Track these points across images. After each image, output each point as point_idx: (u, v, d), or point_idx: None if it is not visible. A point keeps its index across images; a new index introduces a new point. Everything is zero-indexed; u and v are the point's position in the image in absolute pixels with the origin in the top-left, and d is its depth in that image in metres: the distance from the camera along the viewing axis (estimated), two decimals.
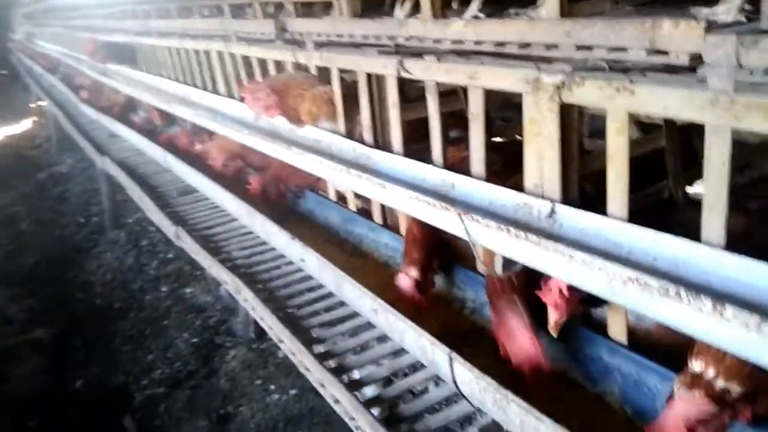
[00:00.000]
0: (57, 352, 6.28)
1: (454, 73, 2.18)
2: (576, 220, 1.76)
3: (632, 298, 1.33)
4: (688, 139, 2.41)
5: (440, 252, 2.45)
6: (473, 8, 2.53)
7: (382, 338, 2.60)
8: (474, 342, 2.21)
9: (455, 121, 2.69)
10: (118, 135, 6.52)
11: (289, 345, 2.81)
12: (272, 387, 5.53)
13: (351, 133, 2.83)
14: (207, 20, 4.19)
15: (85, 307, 7.04)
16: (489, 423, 1.92)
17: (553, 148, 1.86)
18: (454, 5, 3.07)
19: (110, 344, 6.38)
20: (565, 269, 1.51)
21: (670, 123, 2.28)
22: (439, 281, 2.52)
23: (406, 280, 2.29)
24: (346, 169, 2.36)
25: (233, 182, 3.98)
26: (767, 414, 1.41)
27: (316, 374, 2.58)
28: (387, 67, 2.44)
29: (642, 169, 1.93)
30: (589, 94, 1.69)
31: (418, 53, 2.38)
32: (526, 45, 2.11)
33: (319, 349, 2.67)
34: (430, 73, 2.27)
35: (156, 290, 7.09)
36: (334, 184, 3.11)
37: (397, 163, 2.38)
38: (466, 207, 2.07)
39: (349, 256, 2.97)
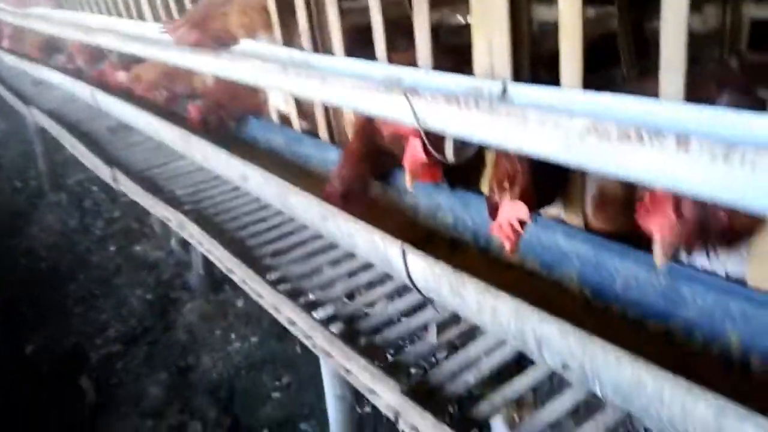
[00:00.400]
0: (4, 320, 5.99)
1: None
2: (529, 95, 1.64)
3: (591, 152, 1.23)
4: (640, 25, 2.32)
5: (378, 164, 2.33)
6: None
7: (337, 262, 2.49)
8: (428, 246, 2.11)
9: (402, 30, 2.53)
10: (44, 82, 6.07)
11: (240, 274, 2.68)
12: (233, 336, 5.41)
13: (290, 44, 2.64)
14: None
15: (31, 273, 6.71)
16: (447, 319, 1.83)
17: (502, 24, 1.73)
18: None
19: (60, 307, 6.11)
20: (518, 137, 1.39)
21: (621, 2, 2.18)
22: (390, 189, 2.40)
23: (332, 190, 2.19)
24: (282, 69, 2.17)
25: (169, 114, 3.72)
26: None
27: (269, 299, 2.46)
28: None
29: (593, 54, 1.83)
30: None
31: None
32: None
33: (272, 276, 2.55)
34: None
35: (104, 250, 6.80)
36: (269, 88, 2.89)
37: (339, 63, 2.21)
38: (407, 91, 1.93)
39: (295, 177, 2.81)
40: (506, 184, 1.59)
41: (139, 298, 6.07)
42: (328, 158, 2.71)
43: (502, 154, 1.69)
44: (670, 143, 1.10)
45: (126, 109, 3.84)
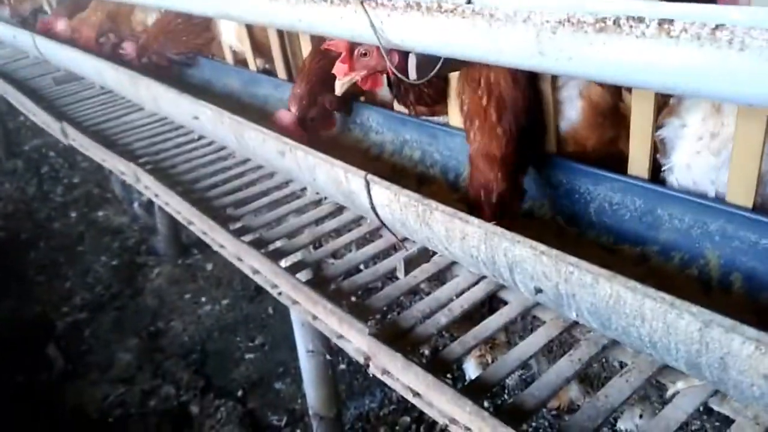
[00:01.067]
0: None
1: None
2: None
3: (566, 48, 1.10)
4: None
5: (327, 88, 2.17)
6: None
7: (301, 210, 2.36)
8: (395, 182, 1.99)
9: None
10: None
11: (199, 225, 2.53)
12: (203, 299, 5.27)
13: None
14: None
15: None
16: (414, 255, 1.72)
17: None
18: None
19: (23, 277, 5.89)
20: (485, 42, 1.26)
21: None
22: (355, 129, 2.26)
23: (286, 115, 2.03)
24: None
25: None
26: None
27: (231, 248, 2.32)
28: None
29: None
30: None
31: None
32: None
33: (234, 226, 2.41)
34: None
35: (65, 217, 6.55)
36: (217, 17, 2.69)
37: None
38: None
39: (255, 120, 2.65)
40: (483, 195, 1.52)
41: (104, 265, 5.87)
42: (287, 97, 2.54)
43: (474, 164, 1.60)
44: (651, 27, 0.98)
45: (70, 55, 3.58)
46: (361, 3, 1.43)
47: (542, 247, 1.20)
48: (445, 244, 1.45)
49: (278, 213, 2.41)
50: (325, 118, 2.15)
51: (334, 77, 1.89)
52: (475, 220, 1.31)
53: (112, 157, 3.13)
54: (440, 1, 1.27)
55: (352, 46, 1.80)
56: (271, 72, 2.69)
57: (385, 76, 1.85)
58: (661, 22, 0.97)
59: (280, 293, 2.09)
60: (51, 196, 6.86)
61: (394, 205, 1.50)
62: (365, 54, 1.79)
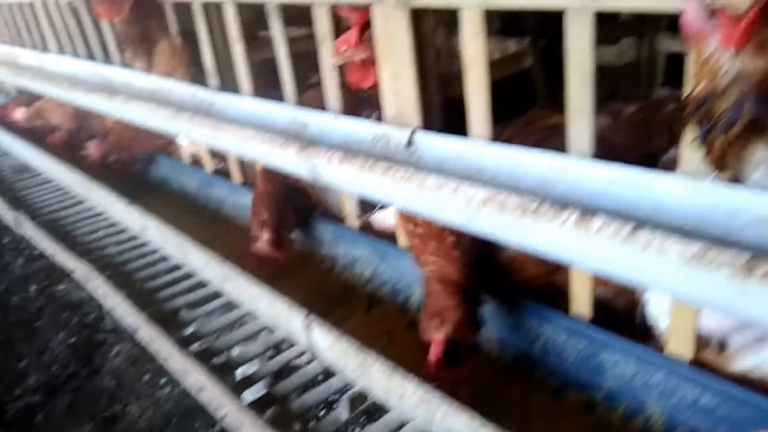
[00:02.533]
0: None
1: None
2: (436, 146, 1.51)
3: (494, 221, 1.09)
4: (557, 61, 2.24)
5: (295, 205, 2.16)
6: None
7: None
8: (345, 303, 1.95)
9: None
10: None
11: (146, 333, 2.47)
12: (162, 381, 5.06)
13: (198, 81, 2.46)
14: None
15: None
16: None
17: (408, 66, 1.59)
18: None
19: None
20: (419, 199, 1.25)
21: (535, 36, 2.09)
22: (304, 239, 2.23)
23: (261, 243, 2.00)
24: (174, 114, 1.98)
25: (72, 152, 3.43)
26: None
27: (178, 363, 2.25)
28: None
29: (509, 97, 1.73)
30: None
31: None
32: None
33: (184, 333, 2.34)
34: None
35: (24, 290, 6.31)
36: (163, 131, 2.69)
37: (243, 104, 2.04)
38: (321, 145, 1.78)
39: (209, 224, 2.61)
40: (436, 323, 1.48)
41: (62, 342, 5.62)
42: (242, 202, 2.51)
43: (431, 292, 1.58)
44: (570, 219, 0.97)
45: (25, 150, 3.54)
46: (302, 151, 1.42)
47: (479, 419, 1.16)
48: (384, 396, 1.40)
49: (229, 318, 2.34)
50: (290, 228, 2.12)
51: (292, 195, 1.87)
52: (414, 380, 1.27)
53: (61, 252, 3.06)
54: (376, 160, 1.26)
55: (366, 22, 1.65)
56: (226, 173, 2.67)
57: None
58: (583, 215, 0.96)
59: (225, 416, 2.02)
60: (10, 268, 6.65)
61: (335, 350, 1.46)
62: None
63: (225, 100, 2.14)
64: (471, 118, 1.43)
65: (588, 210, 0.96)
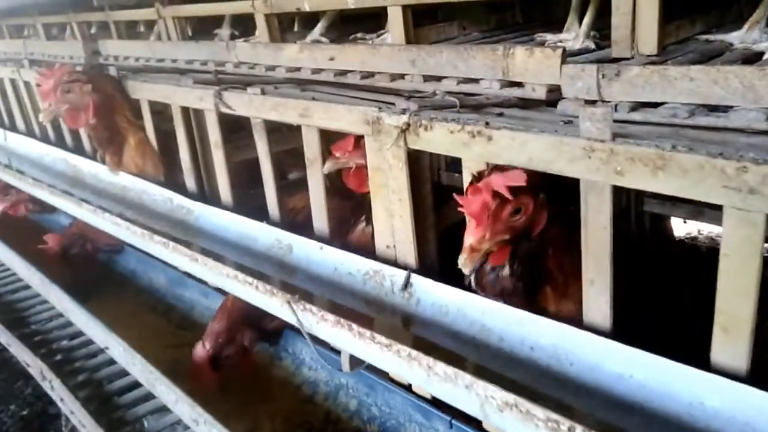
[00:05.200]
0: None
1: (283, 110, 1.75)
2: (436, 294, 1.40)
3: (512, 427, 0.98)
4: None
5: (256, 325, 2.03)
6: (316, 32, 2.17)
7: None
8: None
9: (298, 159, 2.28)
10: None
11: None
12: None
13: (172, 180, 2.32)
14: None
15: None
16: None
17: (404, 203, 1.49)
18: (297, 27, 2.70)
19: None
20: (426, 384, 1.13)
21: None
22: (286, 359, 2.07)
23: (200, 351, 1.90)
24: (149, 235, 1.84)
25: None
26: None
27: None
28: (204, 101, 1.96)
29: None
30: (439, 139, 1.34)
31: (247, 83, 1.95)
32: (370, 75, 1.78)
33: None
34: (254, 109, 1.83)
35: None
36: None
37: (223, 219, 1.91)
38: (306, 276, 1.65)
39: (176, 328, 2.44)
40: None
41: (12, 415, 5.26)
42: (216, 307, 2.35)
43: None
44: None
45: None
46: (289, 302, 1.30)
47: None
48: None
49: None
50: (243, 356, 1.98)
51: (255, 313, 1.74)
52: None
53: (16, 344, 2.83)
54: (375, 334, 1.14)
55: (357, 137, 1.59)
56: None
57: None
58: None
59: None
60: None
61: None
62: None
63: (203, 210, 2.00)
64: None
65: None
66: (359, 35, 2.15)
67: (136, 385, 2.35)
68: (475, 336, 1.30)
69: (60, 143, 2.89)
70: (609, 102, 1.27)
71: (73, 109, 2.28)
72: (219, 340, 1.93)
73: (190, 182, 2.21)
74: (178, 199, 2.09)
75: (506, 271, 1.29)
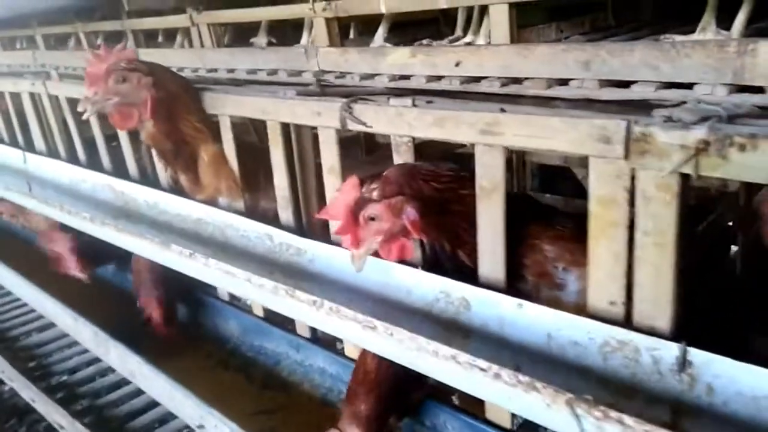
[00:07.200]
0: None
1: (452, 125, 1.34)
2: (735, 377, 1.01)
3: None
4: None
5: (404, 399, 1.60)
6: (379, 37, 1.86)
7: None
8: None
9: None
10: None
11: None
12: None
13: (251, 210, 1.88)
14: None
15: None
16: None
17: (665, 249, 1.10)
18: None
19: None
20: None
21: None
22: None
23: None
24: (289, 291, 1.37)
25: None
26: None
27: None
28: (323, 116, 1.54)
29: None
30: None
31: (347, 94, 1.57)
32: (513, 81, 1.45)
33: None
34: (404, 125, 1.41)
35: None
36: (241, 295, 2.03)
37: (345, 260, 1.46)
38: (498, 344, 1.24)
39: (260, 388, 1.98)
40: None
41: None
42: (311, 363, 1.90)
43: None
44: None
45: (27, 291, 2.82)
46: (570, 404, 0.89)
47: None
48: None
49: None
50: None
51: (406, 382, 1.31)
52: None
53: (44, 400, 2.34)
54: None
55: (354, 210, 1.30)
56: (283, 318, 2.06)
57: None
58: None
59: None
60: None
61: None
62: (373, 218, 1.29)
63: (319, 250, 1.57)
64: None
65: None
66: (425, 41, 1.82)
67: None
68: None
69: (95, 167, 2.39)
70: None
71: (126, 103, 1.78)
72: (372, 428, 1.46)
73: (286, 215, 1.77)
74: (281, 236, 1.65)
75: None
